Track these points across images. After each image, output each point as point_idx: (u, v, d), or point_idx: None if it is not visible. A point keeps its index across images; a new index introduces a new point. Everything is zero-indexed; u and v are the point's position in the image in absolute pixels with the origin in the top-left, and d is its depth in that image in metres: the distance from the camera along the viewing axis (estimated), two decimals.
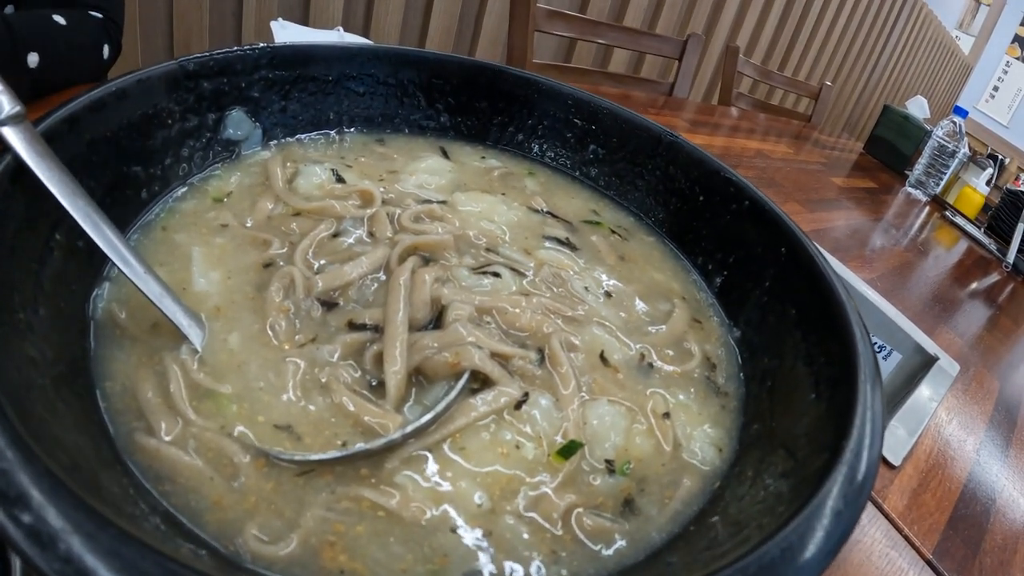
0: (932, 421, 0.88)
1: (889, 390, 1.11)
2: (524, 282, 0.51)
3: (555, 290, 0.52)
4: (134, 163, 0.48)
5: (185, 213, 0.51)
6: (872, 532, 0.64)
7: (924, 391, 0.95)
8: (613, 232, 0.64)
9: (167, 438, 0.35)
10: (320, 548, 0.31)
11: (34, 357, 0.33)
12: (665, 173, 0.68)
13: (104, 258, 0.43)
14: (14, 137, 0.35)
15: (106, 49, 0.89)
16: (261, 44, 0.59)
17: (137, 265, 0.39)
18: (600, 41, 1.76)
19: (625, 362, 0.48)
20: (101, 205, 0.39)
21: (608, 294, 0.55)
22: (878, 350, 1.13)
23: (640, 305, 0.55)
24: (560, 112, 0.72)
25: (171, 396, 0.37)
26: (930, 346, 1.06)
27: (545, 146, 0.74)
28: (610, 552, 0.35)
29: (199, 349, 0.40)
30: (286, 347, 0.41)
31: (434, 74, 0.69)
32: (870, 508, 0.67)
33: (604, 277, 0.57)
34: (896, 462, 0.75)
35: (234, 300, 0.44)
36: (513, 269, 0.52)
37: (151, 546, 0.21)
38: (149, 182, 0.50)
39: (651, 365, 0.49)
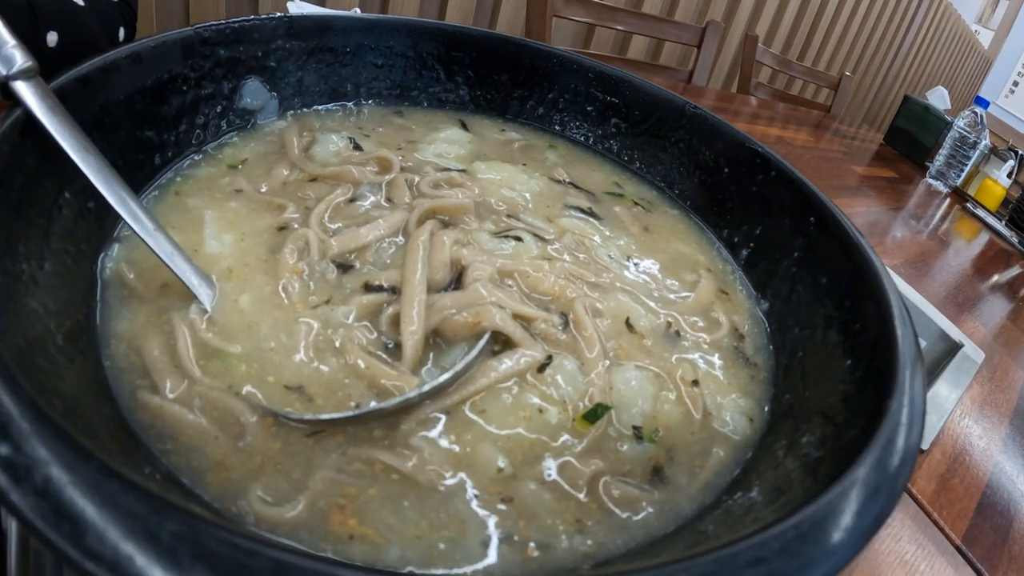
0: (958, 407, 0.86)
1: None
2: (547, 248, 0.50)
3: (579, 256, 0.50)
4: (148, 128, 0.48)
5: (199, 179, 0.50)
6: (901, 516, 0.62)
7: (949, 377, 0.93)
8: (636, 204, 0.62)
9: (171, 396, 0.33)
10: (329, 511, 0.30)
11: (36, 310, 0.32)
12: (688, 146, 0.66)
13: (115, 220, 0.43)
14: (26, 91, 0.35)
15: (122, 32, 0.89)
16: (278, 14, 0.58)
17: (148, 222, 0.38)
18: (618, 27, 1.73)
19: (651, 329, 0.46)
20: (113, 167, 0.38)
21: (633, 262, 0.53)
22: None
23: (666, 274, 0.53)
24: (581, 85, 0.70)
25: (178, 355, 0.35)
26: (955, 333, 1.03)
27: (566, 119, 0.72)
28: (638, 522, 0.33)
29: (209, 309, 0.39)
30: (299, 308, 0.40)
31: (453, 46, 0.68)
32: None
33: (628, 246, 0.55)
34: (924, 446, 0.73)
35: (247, 262, 0.43)
36: (535, 235, 0.50)
37: (135, 481, 0.19)
38: (162, 147, 0.50)
39: (678, 333, 0.47)
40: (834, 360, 0.42)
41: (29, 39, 0.71)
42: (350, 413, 0.33)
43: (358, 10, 1.14)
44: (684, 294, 0.51)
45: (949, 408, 0.84)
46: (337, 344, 0.38)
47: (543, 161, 0.65)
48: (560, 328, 0.41)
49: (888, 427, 0.29)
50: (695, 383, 0.42)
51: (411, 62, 0.67)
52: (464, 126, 0.67)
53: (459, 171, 0.57)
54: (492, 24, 2.28)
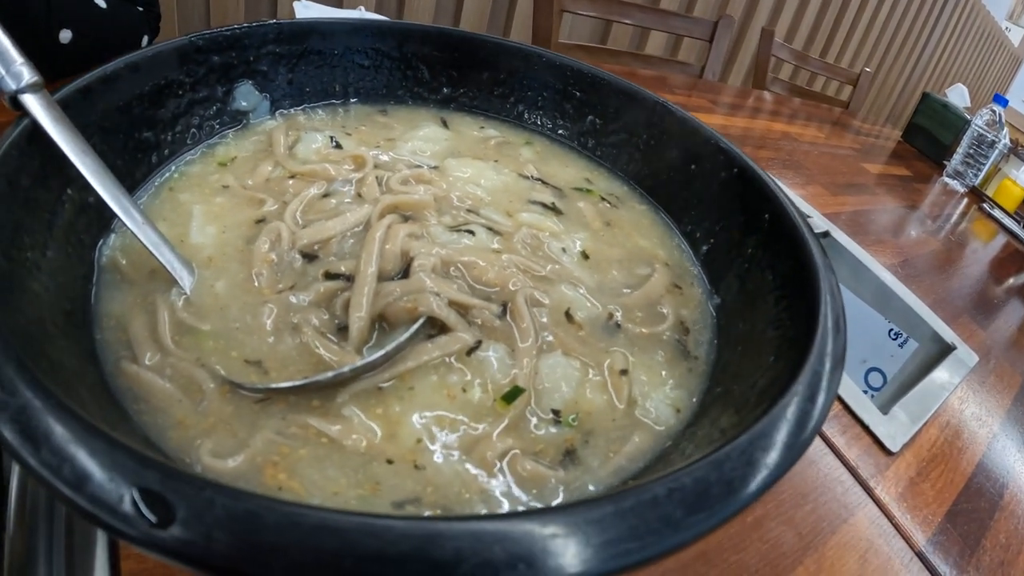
0: (942, 411, 0.84)
1: (906, 379, 1.08)
2: (497, 240, 0.53)
3: (530, 250, 0.53)
4: (145, 130, 0.52)
5: (191, 175, 0.55)
6: (859, 517, 0.62)
7: (936, 379, 0.92)
8: (603, 199, 0.65)
9: (147, 363, 0.38)
10: (264, 466, 0.34)
11: (38, 292, 0.36)
12: (659, 142, 0.67)
13: (112, 213, 0.47)
14: (32, 103, 0.39)
15: (145, 39, 0.93)
16: (271, 21, 0.62)
17: (137, 216, 0.43)
18: (627, 22, 1.74)
19: (590, 320, 0.49)
20: (113, 167, 0.42)
21: (585, 256, 0.56)
22: (895, 337, 1.10)
23: (618, 269, 0.56)
24: (559, 83, 0.73)
25: (156, 330, 0.40)
26: (948, 334, 1.03)
27: (544, 117, 0.75)
28: (542, 497, 0.36)
29: (187, 292, 0.43)
30: (266, 293, 0.44)
31: (436, 47, 0.71)
32: (859, 493, 0.65)
33: (584, 240, 0.58)
34: (894, 448, 0.72)
35: (226, 252, 0.48)
36: (490, 229, 0.53)
37: (87, 420, 0.24)
38: (159, 147, 0.54)
39: (618, 325, 0.49)
40: (764, 355, 0.44)
41: (42, 35, 0.75)
42: (291, 384, 0.37)
43: (362, 8, 1.18)
44: (633, 288, 0.54)
45: (930, 410, 0.83)
46: (294, 324, 0.42)
47: (516, 157, 0.68)
48: (497, 316, 0.45)
49: (773, 423, 0.31)
50: (624, 372, 0.45)
51: (396, 63, 0.70)
52: (444, 124, 0.71)
53: (431, 168, 0.60)
54: (508, 19, 2.30)
